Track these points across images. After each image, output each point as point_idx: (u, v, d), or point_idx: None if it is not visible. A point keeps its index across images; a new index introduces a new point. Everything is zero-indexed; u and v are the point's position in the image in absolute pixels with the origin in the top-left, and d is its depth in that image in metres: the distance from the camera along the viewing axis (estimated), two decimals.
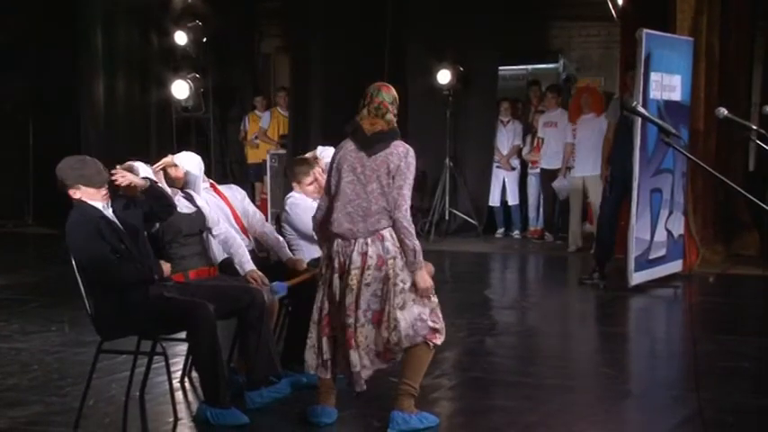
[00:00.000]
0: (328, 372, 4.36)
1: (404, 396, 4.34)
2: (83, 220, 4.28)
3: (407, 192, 4.19)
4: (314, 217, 4.44)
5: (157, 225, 4.70)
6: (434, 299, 4.32)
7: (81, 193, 4.33)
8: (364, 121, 4.27)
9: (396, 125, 4.29)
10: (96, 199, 4.34)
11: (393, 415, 4.32)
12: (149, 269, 4.36)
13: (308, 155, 5.66)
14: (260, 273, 4.88)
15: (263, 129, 11.99)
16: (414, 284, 4.20)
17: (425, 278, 4.23)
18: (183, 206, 4.85)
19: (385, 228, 4.19)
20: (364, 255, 4.17)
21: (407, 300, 4.21)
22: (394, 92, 4.35)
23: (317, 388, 4.48)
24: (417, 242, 4.20)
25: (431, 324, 4.27)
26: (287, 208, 5.45)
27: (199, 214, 4.90)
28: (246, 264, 4.90)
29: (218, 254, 5.10)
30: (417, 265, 4.19)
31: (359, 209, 4.20)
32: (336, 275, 4.25)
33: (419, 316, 4.24)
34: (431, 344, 4.29)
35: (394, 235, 4.20)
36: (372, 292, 4.19)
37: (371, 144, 4.22)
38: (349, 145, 4.30)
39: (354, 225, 4.20)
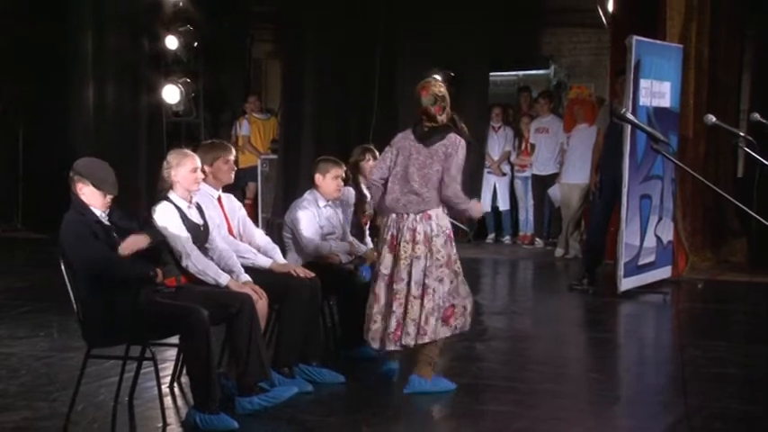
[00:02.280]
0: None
1: (422, 363, 4.91)
2: (78, 220, 4.31)
3: (455, 172, 4.82)
4: (372, 189, 5.08)
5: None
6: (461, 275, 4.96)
7: (87, 192, 4.34)
8: (422, 120, 4.87)
9: (448, 118, 4.87)
10: (97, 205, 4.37)
11: (411, 378, 4.91)
12: (145, 270, 4.35)
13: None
14: (256, 285, 4.82)
15: (246, 136, 11.93)
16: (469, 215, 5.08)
17: (477, 208, 5.10)
18: (192, 215, 4.82)
19: (432, 208, 4.84)
20: (413, 231, 4.83)
21: (443, 275, 4.83)
22: (436, 88, 4.86)
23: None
24: (464, 203, 4.91)
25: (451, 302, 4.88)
26: (300, 206, 5.59)
27: (205, 228, 4.87)
28: (241, 275, 4.87)
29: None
30: (467, 206, 4.95)
31: (412, 189, 4.84)
32: (387, 249, 4.88)
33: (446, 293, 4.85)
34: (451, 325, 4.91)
35: (439, 215, 4.87)
36: (421, 267, 4.79)
37: (428, 137, 4.86)
38: (410, 134, 4.94)
39: (408, 202, 4.86)
